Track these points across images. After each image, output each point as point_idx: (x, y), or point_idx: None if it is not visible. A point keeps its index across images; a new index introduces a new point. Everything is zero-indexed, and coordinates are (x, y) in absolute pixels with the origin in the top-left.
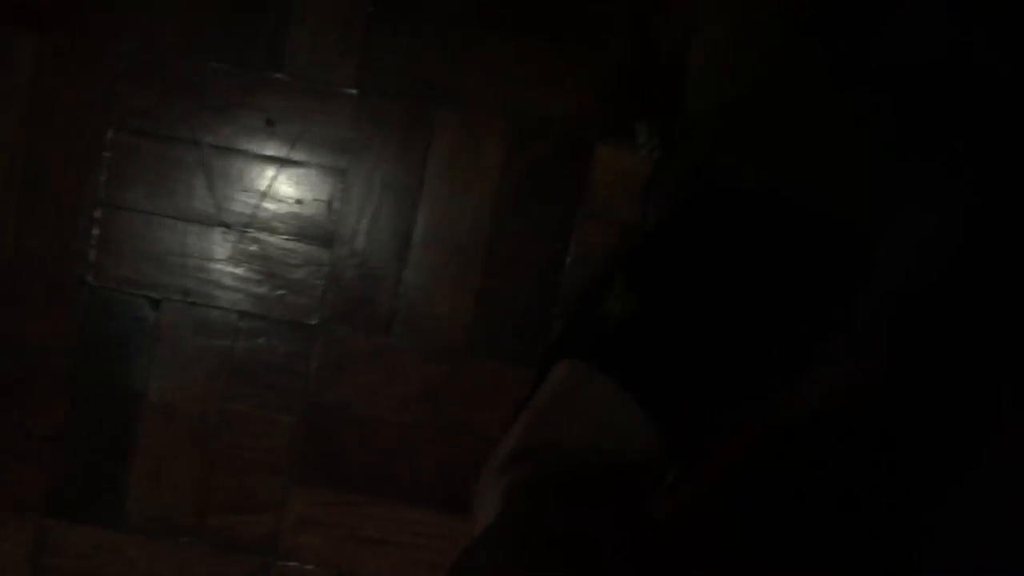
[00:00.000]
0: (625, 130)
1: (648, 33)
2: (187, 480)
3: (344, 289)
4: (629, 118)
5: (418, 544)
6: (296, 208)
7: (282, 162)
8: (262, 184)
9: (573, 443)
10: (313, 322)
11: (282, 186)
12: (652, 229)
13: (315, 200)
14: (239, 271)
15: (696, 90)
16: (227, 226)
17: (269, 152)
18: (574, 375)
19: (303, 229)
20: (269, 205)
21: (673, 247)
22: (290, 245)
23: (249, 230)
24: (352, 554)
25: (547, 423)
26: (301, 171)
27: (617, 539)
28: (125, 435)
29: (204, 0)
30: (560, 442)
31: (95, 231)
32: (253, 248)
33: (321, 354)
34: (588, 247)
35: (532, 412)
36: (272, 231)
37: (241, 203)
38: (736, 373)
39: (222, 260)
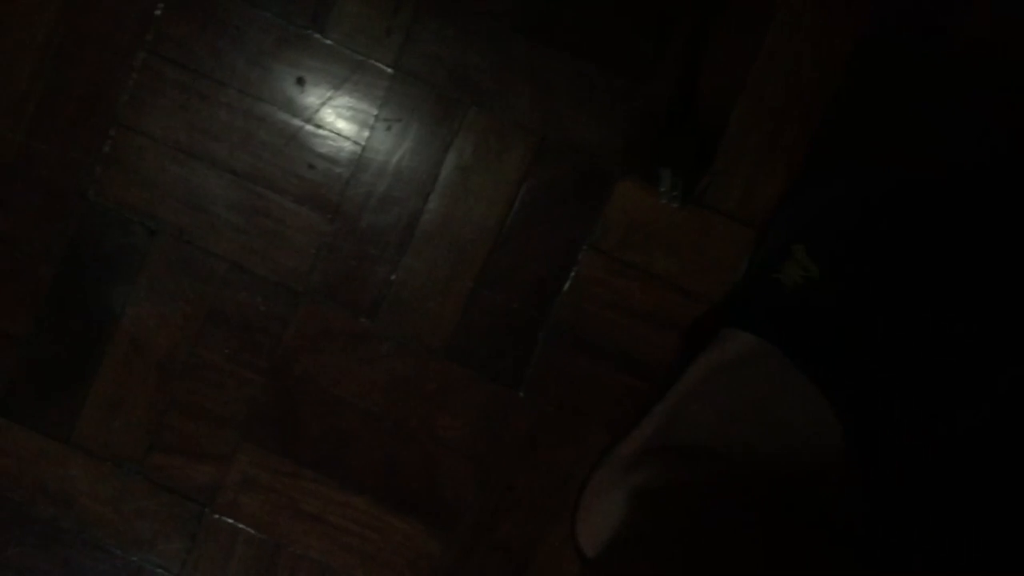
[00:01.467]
0: (650, 174)
1: (695, 83)
2: (141, 413)
3: (337, 264)
4: (657, 162)
5: (353, 531)
6: (308, 173)
7: (304, 123)
8: (279, 141)
9: (727, 438)
10: (299, 289)
11: (299, 147)
12: (829, 202)
13: (328, 169)
14: (238, 221)
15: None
16: (236, 174)
17: (293, 111)
18: (741, 348)
19: (310, 195)
20: (282, 163)
21: (859, 220)
22: (293, 207)
23: (257, 184)
24: (287, 525)
25: (699, 408)
26: (320, 137)
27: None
28: (90, 355)
29: None
30: (712, 435)
31: (106, 148)
32: (257, 202)
33: (300, 322)
34: (586, 281)
35: (680, 394)
36: (279, 190)
37: (255, 155)
38: (928, 364)
39: (224, 206)
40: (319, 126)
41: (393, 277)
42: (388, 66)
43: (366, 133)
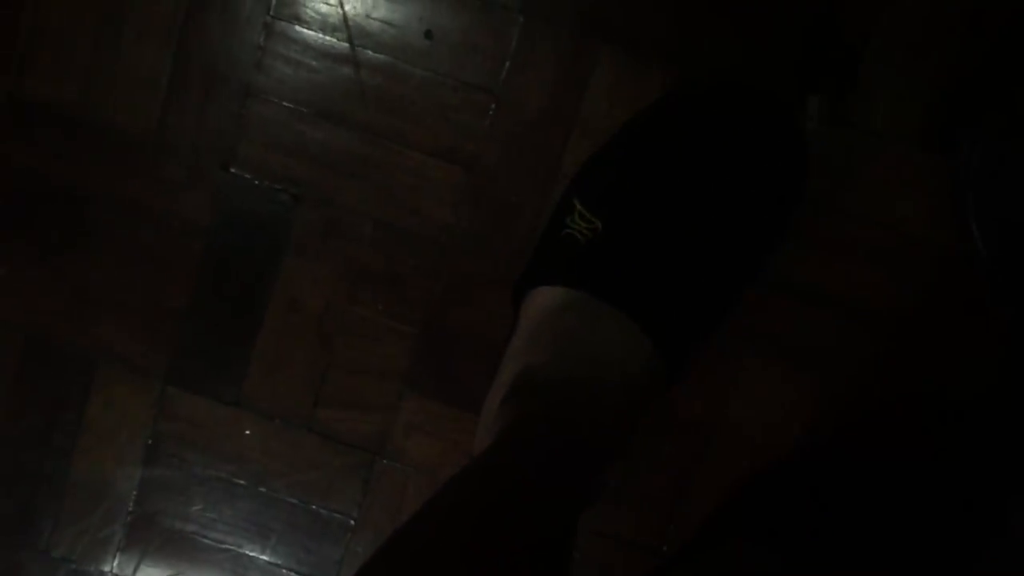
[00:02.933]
0: (798, 102)
1: (837, 5)
2: (304, 371)
3: (480, 214)
4: (804, 89)
5: None
6: (444, 125)
7: (434, 75)
8: (412, 94)
9: (568, 369)
10: (445, 240)
11: (431, 99)
12: (600, 149)
13: (464, 120)
14: (378, 178)
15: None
16: (372, 132)
17: (424, 65)
18: (553, 300)
19: (448, 147)
20: (416, 117)
21: (623, 161)
22: (432, 161)
23: (394, 141)
24: (452, 464)
25: (538, 352)
26: (451, 88)
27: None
28: (249, 320)
29: None
30: (555, 371)
31: (242, 117)
32: (396, 158)
33: (449, 273)
34: None
35: (521, 343)
36: (416, 145)
37: (389, 110)
38: (707, 277)
39: (362, 165)
40: (451, 78)
41: (536, 223)
42: (518, 10)
43: (500, 79)
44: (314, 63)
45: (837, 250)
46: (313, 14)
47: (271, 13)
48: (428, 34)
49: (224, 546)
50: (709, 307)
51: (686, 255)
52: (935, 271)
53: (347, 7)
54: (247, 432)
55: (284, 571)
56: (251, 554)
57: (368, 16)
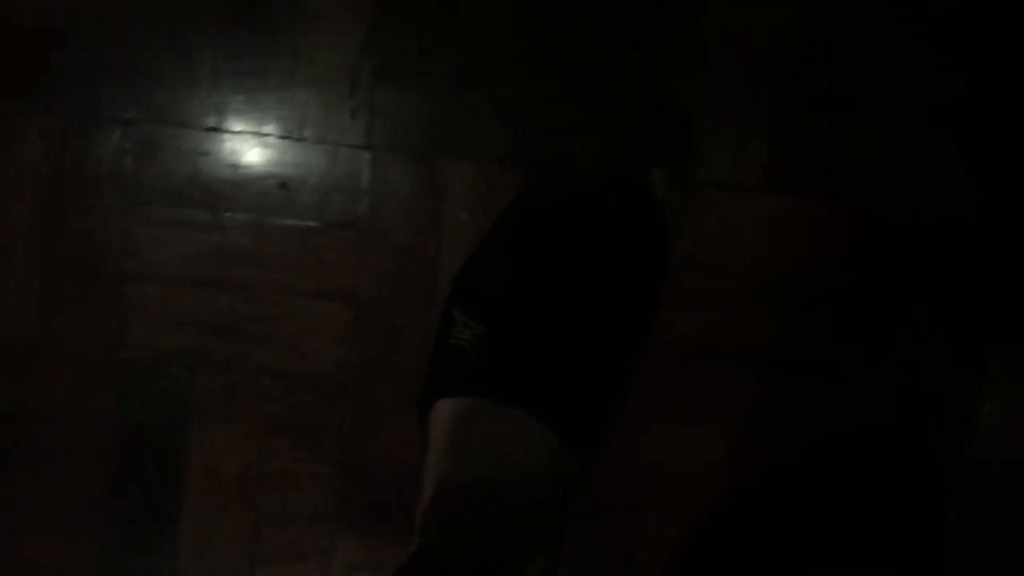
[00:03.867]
0: (644, 175)
1: (659, 76)
2: (235, 535)
3: (370, 344)
4: (646, 163)
5: None
6: (317, 267)
7: (297, 222)
8: (280, 246)
9: (478, 476)
10: (343, 376)
11: (300, 247)
12: (469, 258)
13: (334, 258)
14: (266, 331)
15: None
16: (250, 288)
17: (284, 215)
18: (454, 411)
19: (326, 287)
20: (289, 266)
21: (493, 264)
22: (314, 303)
23: (273, 292)
24: None
25: (448, 464)
26: (318, 231)
27: None
28: (171, 497)
29: (225, 75)
30: (466, 480)
31: (123, 303)
32: (279, 308)
33: (353, 407)
34: None
35: (433, 458)
36: (295, 291)
37: (262, 265)
38: (597, 358)
39: (249, 322)
40: (314, 221)
41: (424, 347)
42: (363, 146)
43: (361, 213)
44: (181, 236)
45: (705, 303)
46: (170, 192)
47: (127, 201)
48: (283, 185)
49: None
50: (606, 387)
51: (572, 342)
52: (797, 302)
53: (202, 177)
54: None
55: None
56: None
57: (224, 181)
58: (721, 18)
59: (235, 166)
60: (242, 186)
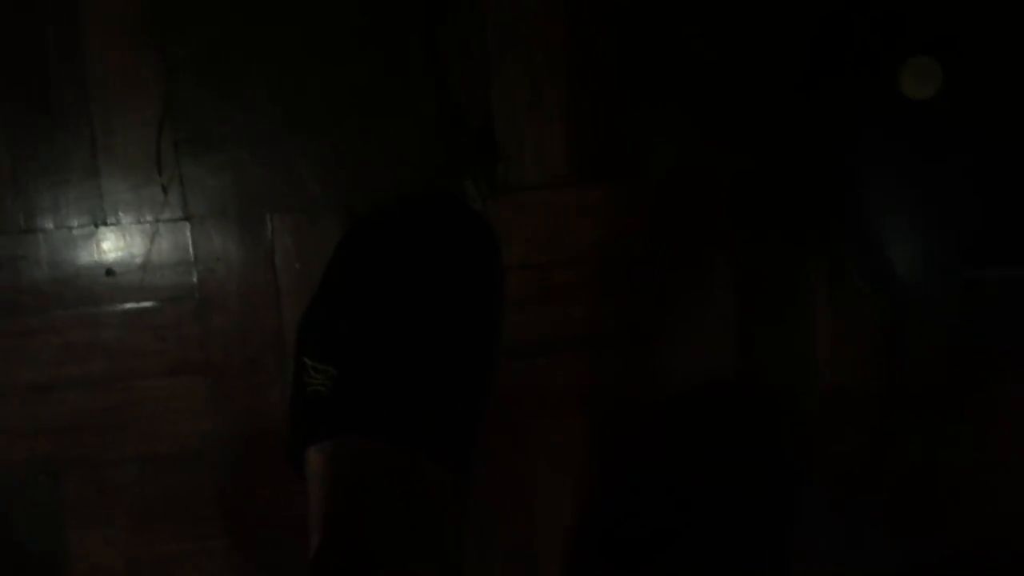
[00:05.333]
0: (457, 190)
1: (450, 90)
2: None
3: (232, 409)
4: (456, 178)
5: None
6: (160, 345)
7: (133, 305)
8: (119, 332)
9: (359, 516)
10: (210, 448)
11: (139, 328)
12: (308, 305)
13: (177, 333)
14: (123, 420)
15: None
16: (96, 382)
17: (117, 300)
18: (323, 456)
19: (174, 362)
20: (132, 350)
21: (331, 306)
22: (166, 382)
23: (121, 380)
24: None
25: (328, 509)
26: (154, 310)
27: None
28: None
29: (26, 176)
30: (347, 522)
31: None
32: (131, 395)
33: (228, 476)
34: None
35: (314, 507)
36: (144, 374)
37: (104, 356)
38: (450, 376)
39: (103, 414)
40: (148, 301)
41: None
42: (182, 218)
43: (195, 283)
44: (13, 344)
45: (545, 298)
46: None
47: None
48: (109, 272)
49: None
50: (463, 398)
51: (421, 364)
52: (629, 281)
53: (26, 281)
54: None
55: None
56: None
57: (49, 280)
58: (499, 27)
59: (57, 263)
60: (68, 281)
